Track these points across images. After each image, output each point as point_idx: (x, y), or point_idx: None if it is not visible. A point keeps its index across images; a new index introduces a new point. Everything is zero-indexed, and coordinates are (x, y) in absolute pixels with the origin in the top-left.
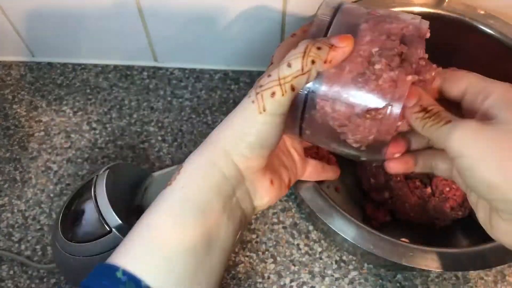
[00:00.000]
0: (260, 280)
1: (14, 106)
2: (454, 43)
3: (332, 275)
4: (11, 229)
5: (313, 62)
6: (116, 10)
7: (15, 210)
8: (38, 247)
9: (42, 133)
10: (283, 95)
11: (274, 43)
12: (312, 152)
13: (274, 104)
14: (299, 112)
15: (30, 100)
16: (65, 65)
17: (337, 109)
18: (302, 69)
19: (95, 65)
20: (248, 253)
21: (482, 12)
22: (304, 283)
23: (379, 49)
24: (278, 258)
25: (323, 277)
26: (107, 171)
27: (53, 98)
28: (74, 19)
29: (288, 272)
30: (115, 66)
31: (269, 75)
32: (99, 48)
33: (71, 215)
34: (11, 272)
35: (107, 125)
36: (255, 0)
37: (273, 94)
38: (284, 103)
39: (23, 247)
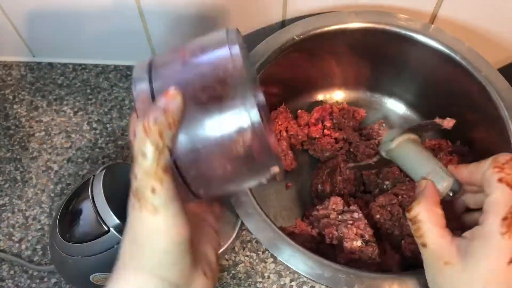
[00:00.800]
0: (260, 279)
1: (15, 106)
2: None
3: None
4: (11, 229)
5: (160, 135)
6: (116, 10)
7: (16, 210)
8: (38, 247)
9: (43, 133)
10: (161, 183)
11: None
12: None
13: (161, 197)
14: (181, 180)
15: (30, 100)
16: (66, 65)
17: (208, 157)
18: (157, 149)
19: (96, 65)
20: (248, 253)
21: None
22: (304, 282)
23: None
24: (278, 258)
25: None
26: (104, 171)
27: (54, 98)
28: (74, 19)
29: (288, 272)
30: (116, 66)
31: (135, 176)
32: (99, 48)
33: (68, 215)
34: (12, 272)
35: (108, 125)
36: (254, 0)
37: (153, 190)
38: (168, 189)
39: (23, 246)
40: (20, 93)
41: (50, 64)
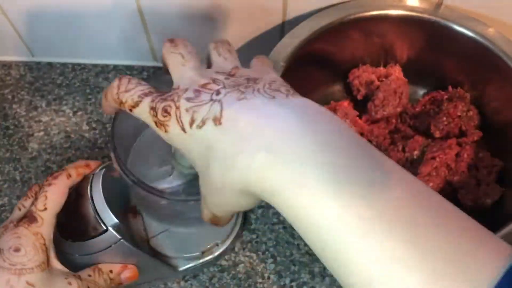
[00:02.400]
0: (260, 280)
1: (14, 106)
2: (446, 48)
3: (332, 275)
4: None
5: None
6: (116, 10)
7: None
8: None
9: (42, 133)
10: None
11: (273, 42)
12: None
13: None
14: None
15: (29, 100)
16: (65, 65)
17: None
18: None
19: (95, 65)
20: (248, 253)
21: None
22: (304, 283)
23: None
24: (278, 258)
25: (323, 277)
26: (103, 170)
27: (53, 98)
28: (74, 19)
29: (288, 272)
30: (115, 66)
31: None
32: (99, 48)
33: (67, 214)
34: None
35: (107, 125)
36: (255, 0)
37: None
38: None
39: None
40: (19, 93)
41: (50, 64)
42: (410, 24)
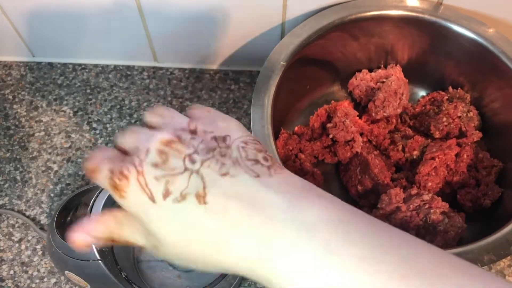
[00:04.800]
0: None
1: (15, 106)
2: (446, 49)
3: None
4: (11, 229)
5: None
6: (116, 10)
7: (15, 210)
8: (38, 247)
9: (43, 133)
10: None
11: (273, 42)
12: (296, 167)
13: None
14: None
15: (30, 100)
16: (65, 65)
17: None
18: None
19: (95, 65)
20: None
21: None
22: None
23: None
24: None
25: None
26: None
27: (53, 98)
28: (74, 19)
29: None
30: (115, 66)
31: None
32: (99, 48)
33: (68, 216)
34: (11, 272)
35: (108, 125)
36: (255, 0)
37: None
38: None
39: (23, 246)
40: (20, 93)
41: (50, 64)
42: (410, 24)
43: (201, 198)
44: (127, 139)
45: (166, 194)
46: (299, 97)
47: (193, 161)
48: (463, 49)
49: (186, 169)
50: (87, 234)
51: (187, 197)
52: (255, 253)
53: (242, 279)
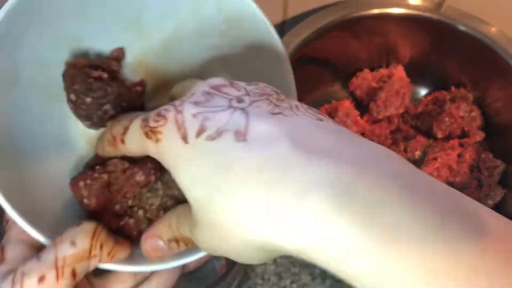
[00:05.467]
0: (260, 281)
1: None
2: (449, 48)
3: (333, 277)
4: None
5: (101, 247)
6: None
7: None
8: None
9: None
10: (57, 279)
11: None
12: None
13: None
14: None
15: None
16: None
17: None
18: (90, 252)
19: None
20: None
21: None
22: (304, 284)
23: None
24: (279, 260)
25: (324, 279)
26: None
27: None
28: None
29: (288, 274)
30: None
31: (38, 257)
32: None
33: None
34: None
35: None
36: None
37: (41, 278)
38: None
39: None
40: None
41: None
42: (412, 23)
43: (240, 134)
44: (174, 87)
45: (200, 131)
46: (299, 96)
47: (240, 101)
48: (465, 48)
49: (230, 106)
50: (155, 237)
51: (223, 134)
52: (326, 214)
53: (242, 281)
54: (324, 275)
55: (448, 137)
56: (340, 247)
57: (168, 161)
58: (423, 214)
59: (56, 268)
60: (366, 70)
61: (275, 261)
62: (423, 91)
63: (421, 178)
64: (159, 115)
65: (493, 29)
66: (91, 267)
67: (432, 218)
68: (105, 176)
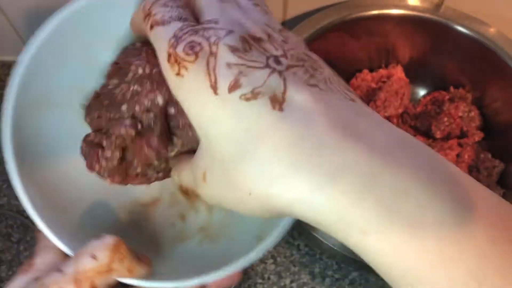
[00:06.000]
0: (260, 280)
1: None
2: (448, 48)
3: (333, 276)
4: (10, 230)
5: (121, 261)
6: None
7: (14, 211)
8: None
9: None
10: None
11: None
12: None
13: None
14: None
15: None
16: None
17: None
18: (110, 265)
19: None
20: None
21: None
22: (304, 283)
23: None
24: (278, 259)
25: (323, 278)
26: None
27: None
28: None
29: (288, 273)
30: None
31: (60, 269)
32: None
33: None
34: (10, 273)
35: None
36: None
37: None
38: None
39: (22, 247)
40: None
41: None
42: (411, 23)
43: (277, 102)
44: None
45: (234, 86)
46: None
47: (278, 62)
48: (464, 49)
49: (268, 65)
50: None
51: (259, 97)
52: (349, 194)
53: (242, 280)
54: (323, 274)
55: (447, 137)
56: (361, 226)
57: (184, 99)
58: (442, 203)
59: (75, 281)
60: (366, 71)
61: (275, 260)
62: (422, 92)
63: (444, 167)
64: (191, 48)
65: (492, 30)
66: (111, 281)
67: (449, 205)
68: (117, 154)
